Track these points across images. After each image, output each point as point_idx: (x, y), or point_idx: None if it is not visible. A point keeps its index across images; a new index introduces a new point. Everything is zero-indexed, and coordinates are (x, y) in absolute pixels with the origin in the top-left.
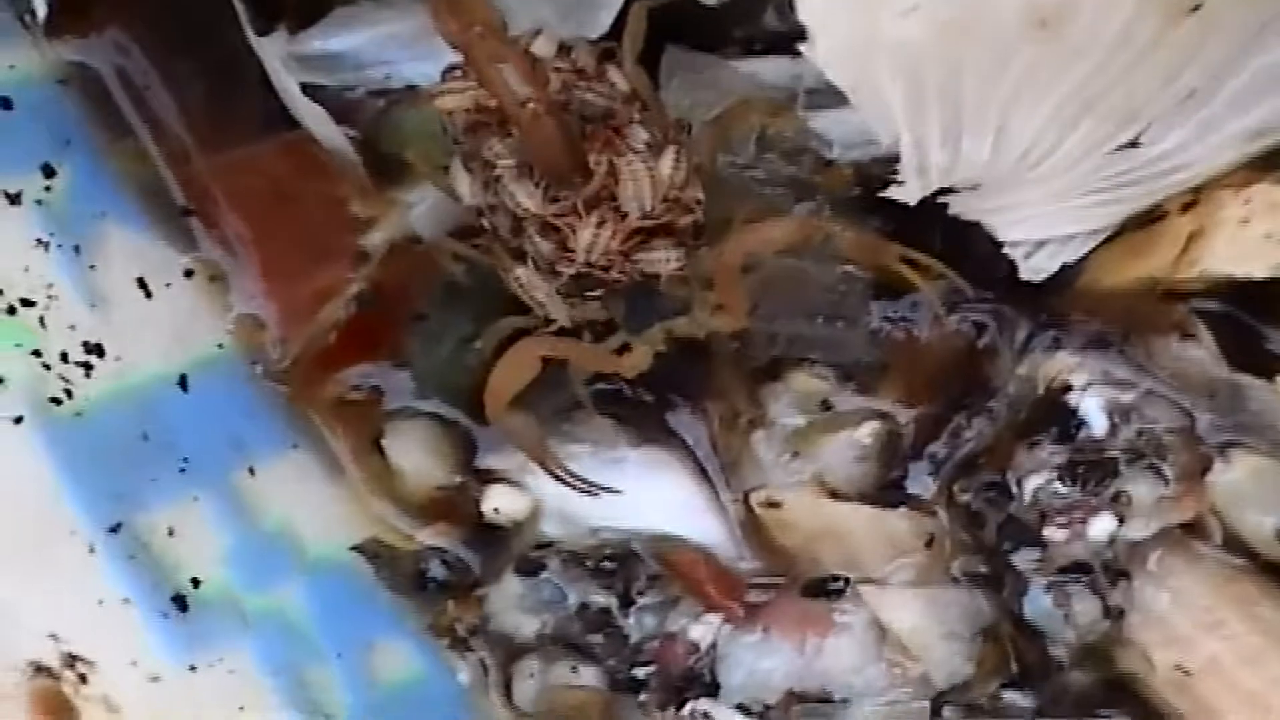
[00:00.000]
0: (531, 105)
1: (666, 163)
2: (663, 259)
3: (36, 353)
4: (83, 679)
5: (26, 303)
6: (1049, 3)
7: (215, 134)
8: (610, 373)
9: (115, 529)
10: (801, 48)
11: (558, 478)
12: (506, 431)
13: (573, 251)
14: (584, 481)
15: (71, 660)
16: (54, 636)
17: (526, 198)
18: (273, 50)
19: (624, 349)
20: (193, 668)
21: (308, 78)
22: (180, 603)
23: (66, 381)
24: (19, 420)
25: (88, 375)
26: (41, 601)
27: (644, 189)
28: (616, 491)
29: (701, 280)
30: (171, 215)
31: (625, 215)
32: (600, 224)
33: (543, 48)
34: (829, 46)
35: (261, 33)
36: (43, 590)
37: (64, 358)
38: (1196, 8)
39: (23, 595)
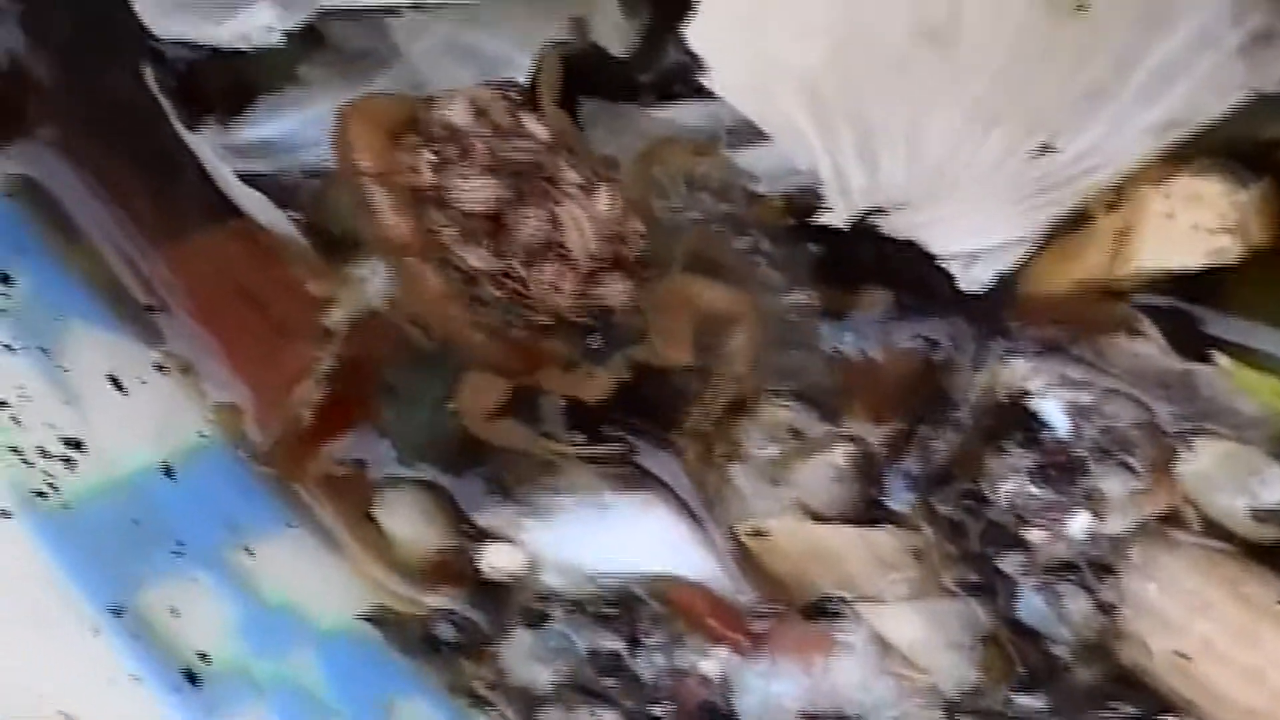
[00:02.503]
0: (410, 259)
1: (602, 200)
2: (613, 292)
3: (15, 449)
4: None
5: None
6: (935, 14)
7: (164, 229)
8: (572, 396)
9: (117, 611)
10: (703, 79)
11: (579, 457)
12: (498, 439)
13: (529, 298)
14: (597, 453)
15: None
16: (66, 716)
17: (476, 260)
18: (205, 143)
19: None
20: None
21: (243, 166)
22: (190, 677)
23: (50, 476)
24: (6, 515)
25: (70, 469)
26: (52, 683)
27: (587, 234)
28: (631, 463)
29: (654, 308)
30: (136, 313)
31: (573, 261)
32: (552, 273)
33: (460, 117)
34: (728, 75)
35: (191, 127)
36: (52, 672)
37: (44, 453)
38: (1081, 7)
39: (32, 677)
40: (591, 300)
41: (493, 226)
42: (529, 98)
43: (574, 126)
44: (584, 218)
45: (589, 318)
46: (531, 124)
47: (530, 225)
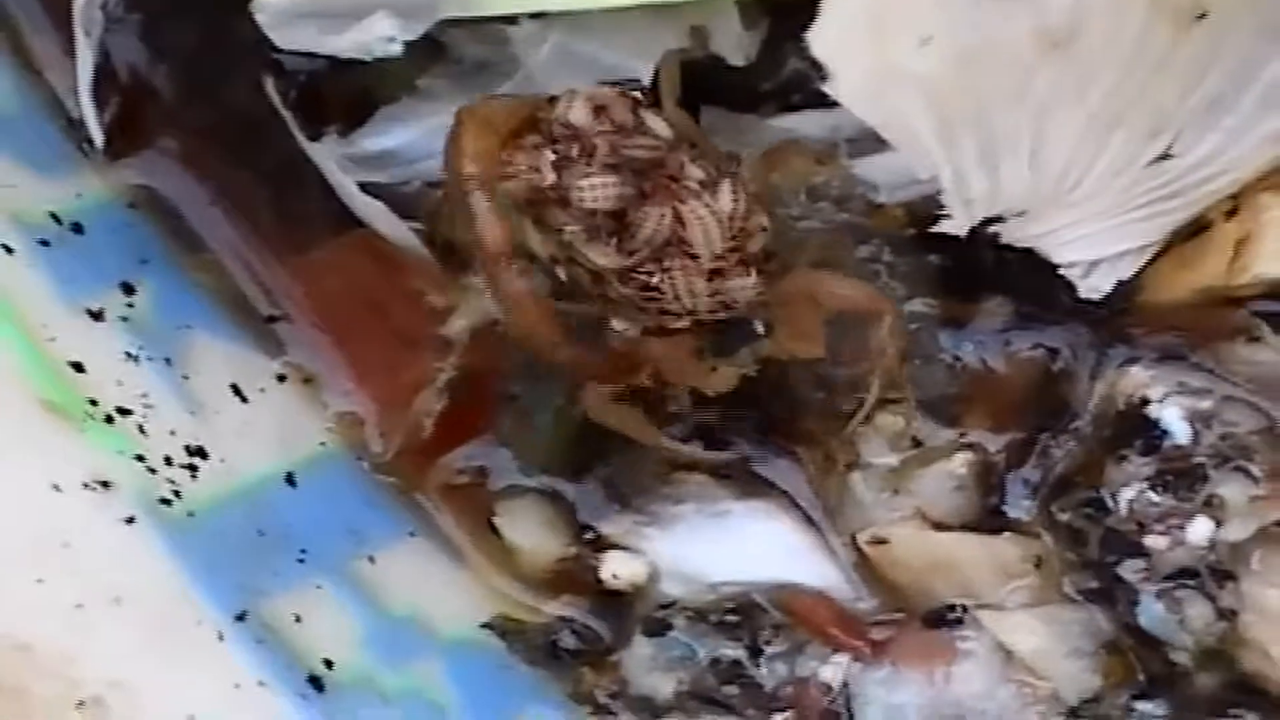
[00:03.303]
0: (501, 265)
1: (725, 196)
2: (740, 287)
3: (140, 457)
4: None
5: (123, 411)
6: (1058, 23)
7: (285, 240)
8: (696, 390)
9: (241, 617)
10: (825, 87)
11: (695, 458)
12: (618, 423)
13: (661, 296)
14: (717, 458)
15: None
16: (192, 718)
17: (601, 258)
18: (326, 153)
19: (712, 371)
20: None
21: (364, 176)
22: (316, 684)
23: (174, 484)
24: (131, 520)
25: (194, 477)
26: (178, 687)
27: (711, 231)
28: (749, 471)
29: (780, 303)
30: (257, 323)
31: (698, 257)
32: (679, 271)
33: (580, 116)
34: (850, 83)
35: (312, 138)
36: (177, 677)
37: (168, 461)
38: (1203, 15)
39: (159, 682)
40: (721, 297)
41: (617, 225)
42: (650, 97)
43: (694, 124)
44: (708, 215)
45: (722, 312)
46: (653, 121)
47: (653, 220)
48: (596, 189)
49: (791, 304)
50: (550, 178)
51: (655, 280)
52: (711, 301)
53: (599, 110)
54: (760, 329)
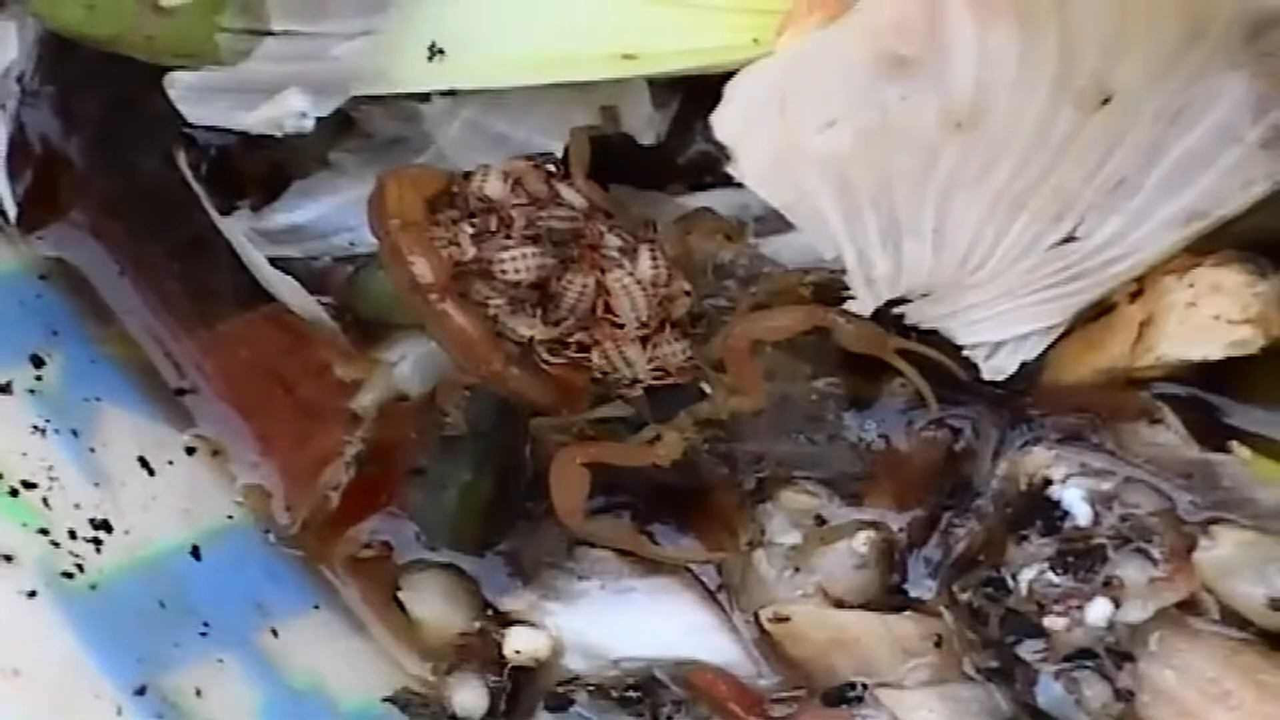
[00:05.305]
0: (434, 297)
1: (645, 263)
2: (670, 352)
3: (43, 531)
4: None
5: (28, 485)
6: (962, 104)
7: (195, 313)
8: (647, 464)
9: (141, 691)
10: (729, 168)
11: (670, 559)
12: (597, 538)
13: (595, 367)
14: (698, 559)
15: None
16: None
17: (527, 329)
18: (237, 228)
19: (655, 440)
20: None
21: (275, 251)
22: None
23: (77, 557)
24: (33, 594)
25: (98, 550)
26: None
27: (637, 299)
28: None
29: (711, 364)
30: (166, 395)
31: (622, 326)
32: (609, 340)
33: (495, 189)
34: (754, 164)
35: (224, 212)
36: None
37: (72, 534)
38: (1107, 99)
39: None
40: (657, 363)
41: (540, 296)
42: (562, 170)
43: (607, 194)
44: (632, 283)
45: (662, 377)
46: (567, 192)
47: (576, 289)
48: (517, 260)
49: (728, 359)
50: (470, 251)
51: (589, 356)
52: (650, 368)
53: (514, 183)
54: (701, 389)
